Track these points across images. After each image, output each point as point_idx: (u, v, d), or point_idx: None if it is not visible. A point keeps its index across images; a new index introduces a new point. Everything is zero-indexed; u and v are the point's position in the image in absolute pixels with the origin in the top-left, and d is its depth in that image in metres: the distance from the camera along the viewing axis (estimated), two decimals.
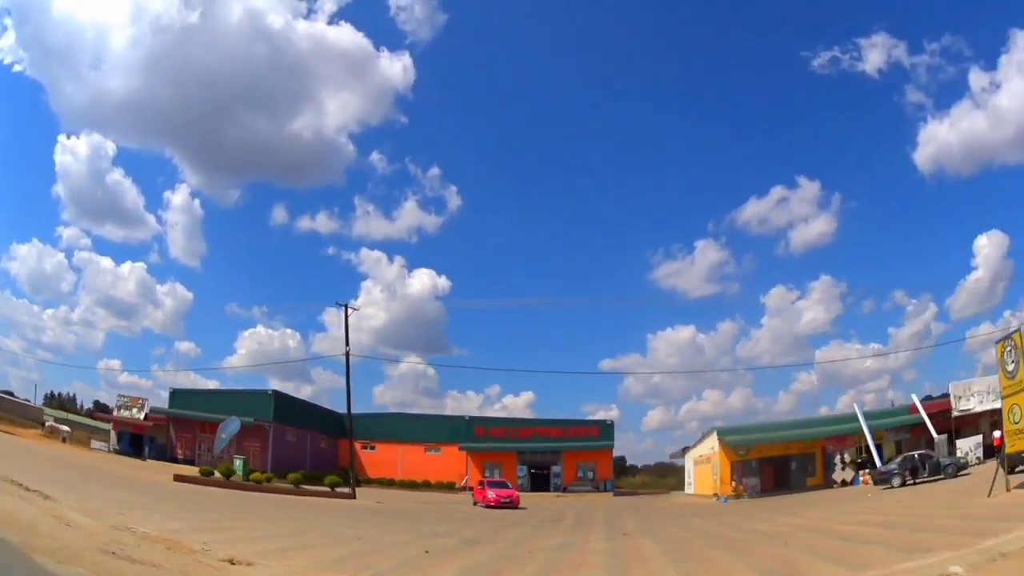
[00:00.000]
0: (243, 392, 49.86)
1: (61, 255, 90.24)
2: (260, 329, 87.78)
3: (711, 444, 44.27)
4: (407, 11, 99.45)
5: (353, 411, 55.52)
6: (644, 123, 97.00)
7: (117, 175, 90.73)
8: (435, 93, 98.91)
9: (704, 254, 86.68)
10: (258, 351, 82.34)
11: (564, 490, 50.45)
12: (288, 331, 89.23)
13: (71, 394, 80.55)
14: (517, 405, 74.50)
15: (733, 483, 41.67)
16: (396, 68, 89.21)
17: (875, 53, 75.40)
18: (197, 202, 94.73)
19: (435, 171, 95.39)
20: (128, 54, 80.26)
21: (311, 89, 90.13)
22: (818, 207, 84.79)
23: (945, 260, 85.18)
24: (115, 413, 52.09)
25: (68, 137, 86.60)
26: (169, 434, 49.10)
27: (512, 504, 32.07)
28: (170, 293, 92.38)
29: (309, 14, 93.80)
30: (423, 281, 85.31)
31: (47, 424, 58.49)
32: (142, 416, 50.77)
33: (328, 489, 36.07)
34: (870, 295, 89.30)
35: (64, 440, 52.74)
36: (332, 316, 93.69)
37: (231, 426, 36.32)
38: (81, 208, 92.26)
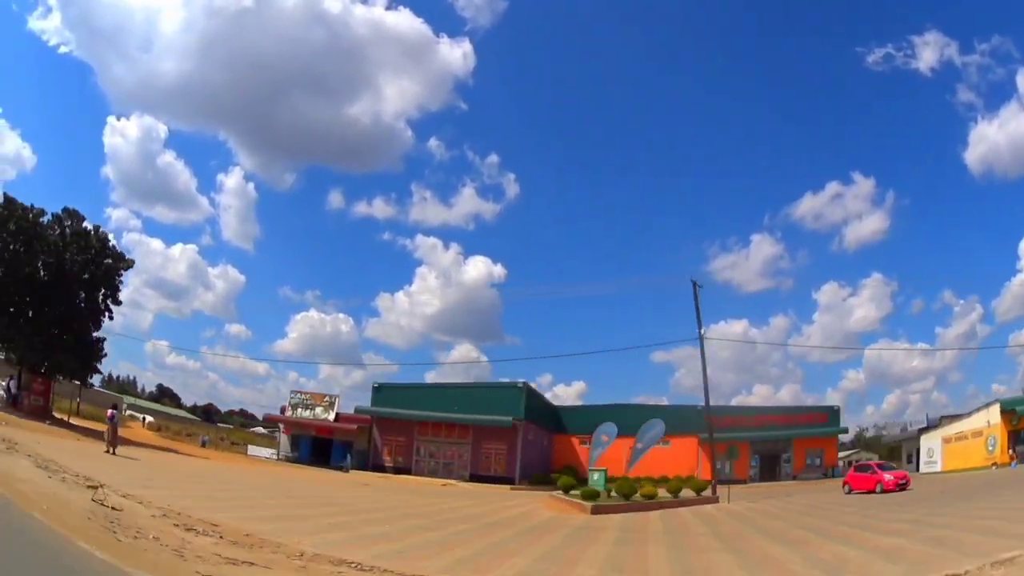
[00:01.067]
0: (481, 386, 41.51)
1: (109, 236, 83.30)
2: (313, 313, 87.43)
3: (985, 418, 42.67)
4: None
5: (568, 404, 49.27)
6: (703, 115, 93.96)
7: (169, 157, 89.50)
8: (495, 80, 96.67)
9: (759, 248, 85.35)
10: (310, 335, 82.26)
11: (794, 478, 46.85)
12: (341, 316, 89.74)
13: (130, 377, 75.62)
14: (569, 394, 71.82)
15: (1010, 452, 41.04)
16: (456, 54, 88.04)
17: (928, 51, 75.09)
18: (251, 185, 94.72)
19: (493, 158, 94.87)
20: (180, 37, 78.20)
21: (369, 74, 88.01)
22: (872, 204, 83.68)
23: (992, 262, 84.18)
24: (288, 413, 42.20)
25: (118, 119, 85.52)
26: (372, 438, 40.13)
27: (906, 485, 28.57)
28: (222, 275, 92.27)
29: None
30: (478, 268, 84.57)
31: (145, 419, 47.73)
32: (331, 416, 41.40)
33: (695, 495, 30.07)
34: (920, 294, 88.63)
35: (204, 445, 42.41)
36: (386, 301, 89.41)
37: (653, 430, 29.07)
38: (131, 189, 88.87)
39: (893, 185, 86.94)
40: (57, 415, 34.55)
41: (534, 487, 37.01)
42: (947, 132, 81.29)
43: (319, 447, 41.01)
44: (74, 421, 34.48)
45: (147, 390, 71.75)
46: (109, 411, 24.19)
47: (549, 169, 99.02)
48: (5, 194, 33.54)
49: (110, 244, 34.83)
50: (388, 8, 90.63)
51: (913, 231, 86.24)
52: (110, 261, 34.41)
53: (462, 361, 78.64)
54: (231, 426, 66.26)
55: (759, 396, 76.87)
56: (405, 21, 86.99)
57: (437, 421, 39.13)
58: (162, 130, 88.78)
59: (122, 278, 35.12)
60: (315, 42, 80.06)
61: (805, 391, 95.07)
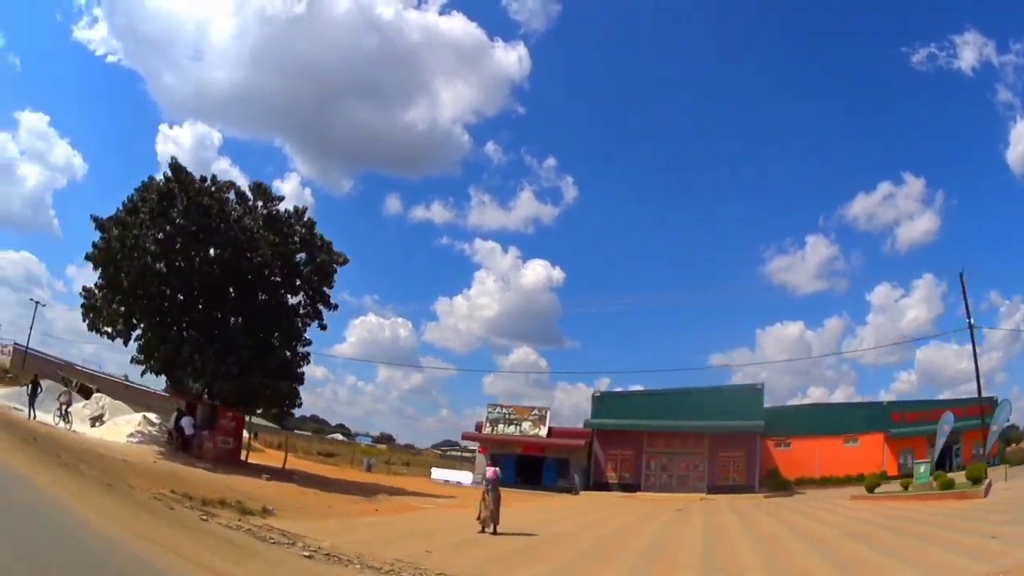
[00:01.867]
0: (714, 390, 37.26)
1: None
2: (371, 317, 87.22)
3: None
4: (520, 1, 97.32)
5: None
6: (758, 117, 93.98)
7: (224, 164, 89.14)
8: (551, 83, 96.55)
9: (815, 250, 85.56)
10: (368, 339, 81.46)
11: (963, 468, 46.32)
12: (400, 320, 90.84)
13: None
14: None
15: None
16: (511, 58, 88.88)
17: (968, 51, 75.91)
18: (308, 191, 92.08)
19: (551, 161, 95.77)
20: (232, 45, 79.02)
21: (424, 80, 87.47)
22: (923, 204, 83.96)
23: None
24: (486, 429, 36.62)
25: (170, 126, 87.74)
26: (593, 453, 35.39)
27: None
28: None
29: (420, 4, 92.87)
30: (537, 272, 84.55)
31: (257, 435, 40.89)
32: (543, 431, 36.17)
33: None
34: (969, 295, 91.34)
35: (369, 470, 36.33)
36: (444, 305, 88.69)
37: (1004, 411, 27.59)
38: None
39: (942, 185, 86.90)
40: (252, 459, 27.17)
41: (775, 493, 33.93)
42: (990, 131, 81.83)
43: (526, 467, 35.81)
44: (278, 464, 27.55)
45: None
46: (490, 469, 15.46)
47: (607, 171, 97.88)
48: (173, 159, 25.14)
49: (317, 232, 27.73)
50: (441, 13, 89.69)
51: (961, 231, 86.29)
52: (322, 256, 27.42)
53: (524, 370, 76.86)
54: (308, 433, 59.12)
55: (812, 398, 76.05)
56: (459, 26, 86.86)
57: (670, 431, 35.05)
58: (216, 137, 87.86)
59: (336, 277, 28.17)
60: (369, 48, 79.96)
61: (860, 392, 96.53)
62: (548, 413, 36.31)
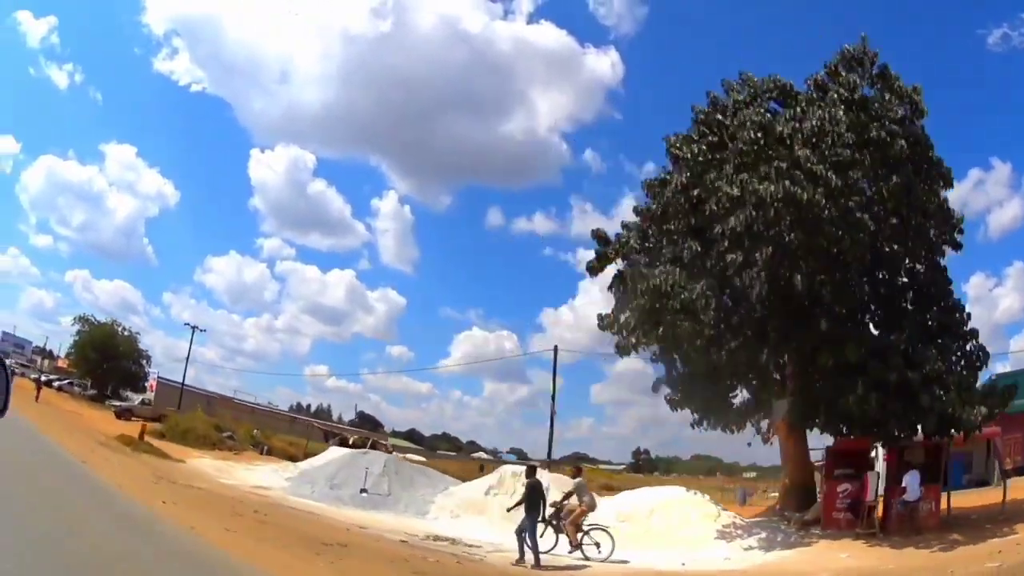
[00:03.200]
0: None
1: (263, 266, 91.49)
2: (475, 331, 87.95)
3: None
4: (606, 5, 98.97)
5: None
6: None
7: (320, 185, 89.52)
8: (646, 87, 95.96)
9: None
10: (473, 354, 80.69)
11: None
12: (505, 332, 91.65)
13: (325, 405, 70.38)
14: None
15: None
16: (604, 64, 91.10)
17: None
18: (407, 208, 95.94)
19: (650, 167, 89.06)
20: (319, 66, 77.88)
21: (518, 90, 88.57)
22: (1011, 188, 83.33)
23: None
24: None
25: (262, 151, 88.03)
26: (991, 441, 30.97)
27: None
28: (382, 299, 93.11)
29: (506, 15, 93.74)
30: None
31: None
32: None
33: None
34: None
35: (744, 502, 31.16)
36: (549, 316, 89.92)
37: None
38: (282, 219, 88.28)
39: None
40: None
41: None
42: None
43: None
44: None
45: (344, 418, 61.47)
46: None
47: None
48: None
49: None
50: (529, 23, 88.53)
51: None
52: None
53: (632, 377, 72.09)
54: (452, 453, 48.42)
55: None
56: (549, 34, 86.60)
57: None
58: (310, 159, 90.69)
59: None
60: (459, 62, 79.86)
61: None
62: None
